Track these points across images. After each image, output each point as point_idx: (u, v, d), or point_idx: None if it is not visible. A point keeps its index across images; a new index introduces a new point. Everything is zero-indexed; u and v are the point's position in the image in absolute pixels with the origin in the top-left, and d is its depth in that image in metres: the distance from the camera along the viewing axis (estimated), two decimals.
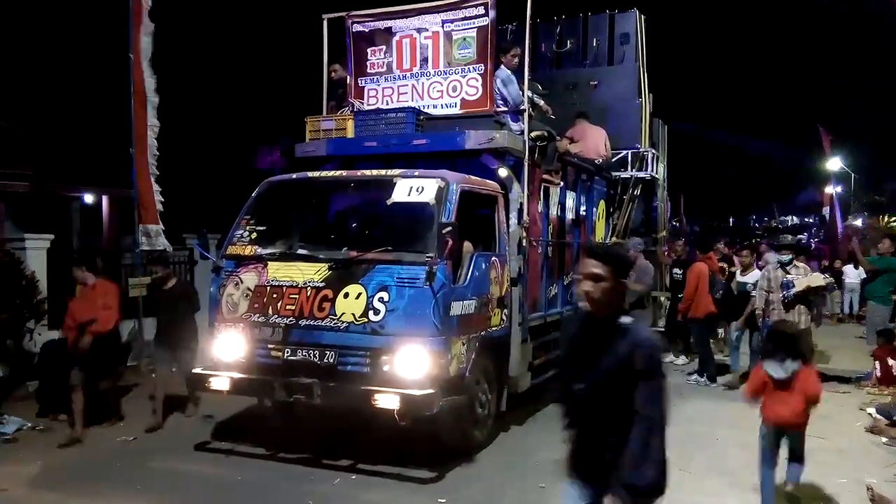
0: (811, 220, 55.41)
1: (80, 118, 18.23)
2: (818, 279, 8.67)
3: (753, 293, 9.02)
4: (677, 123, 14.45)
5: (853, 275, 15.45)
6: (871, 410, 7.90)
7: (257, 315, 6.23)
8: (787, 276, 8.50)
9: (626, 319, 2.96)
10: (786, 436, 5.07)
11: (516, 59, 7.70)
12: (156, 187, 10.17)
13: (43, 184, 16.07)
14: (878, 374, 9.20)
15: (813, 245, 30.10)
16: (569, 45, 11.52)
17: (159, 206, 10.17)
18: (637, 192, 10.93)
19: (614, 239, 10.37)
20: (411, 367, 5.71)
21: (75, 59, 18.54)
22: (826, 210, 35.11)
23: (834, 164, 32.03)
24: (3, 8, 16.82)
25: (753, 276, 9.32)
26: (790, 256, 8.72)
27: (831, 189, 31.13)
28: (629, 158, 10.68)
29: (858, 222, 29.96)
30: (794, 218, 65.75)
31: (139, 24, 9.88)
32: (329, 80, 8.59)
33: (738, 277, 9.81)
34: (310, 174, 7.20)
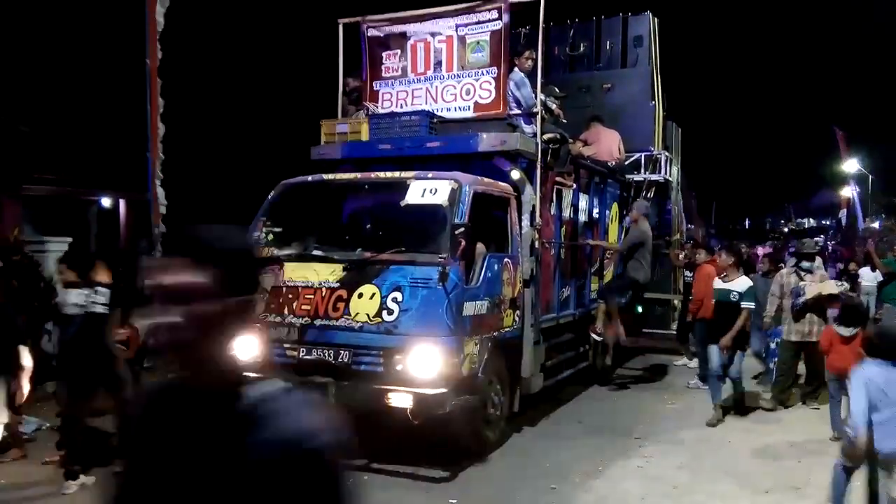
0: (828, 223, 55.04)
1: (97, 122, 18.44)
2: (830, 287, 8.25)
3: (744, 304, 7.71)
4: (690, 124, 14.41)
5: (869, 277, 15.33)
6: None
7: (273, 315, 6.30)
8: (801, 282, 8.14)
9: (261, 389, 1.55)
10: (839, 381, 6.65)
11: (530, 62, 7.76)
12: (160, 191, 10.26)
13: (61, 187, 16.28)
14: None
15: (830, 247, 29.90)
16: (582, 49, 11.54)
17: (162, 210, 10.26)
18: (650, 194, 10.94)
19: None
20: (424, 367, 5.76)
21: (92, 64, 18.75)
22: (843, 213, 34.90)
23: (851, 165, 31.84)
24: (24, 16, 17.07)
25: (740, 283, 7.82)
26: (813, 263, 8.41)
27: (849, 191, 30.95)
28: (642, 161, 10.69)
29: (876, 224, 29.71)
30: (811, 220, 65.31)
31: (155, 30, 10.00)
32: (344, 88, 8.68)
33: (718, 284, 8.05)
34: (325, 176, 7.28)
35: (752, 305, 7.82)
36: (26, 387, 5.79)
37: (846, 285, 9.40)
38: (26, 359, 5.79)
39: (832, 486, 4.78)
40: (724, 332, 7.67)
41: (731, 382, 7.99)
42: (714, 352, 7.87)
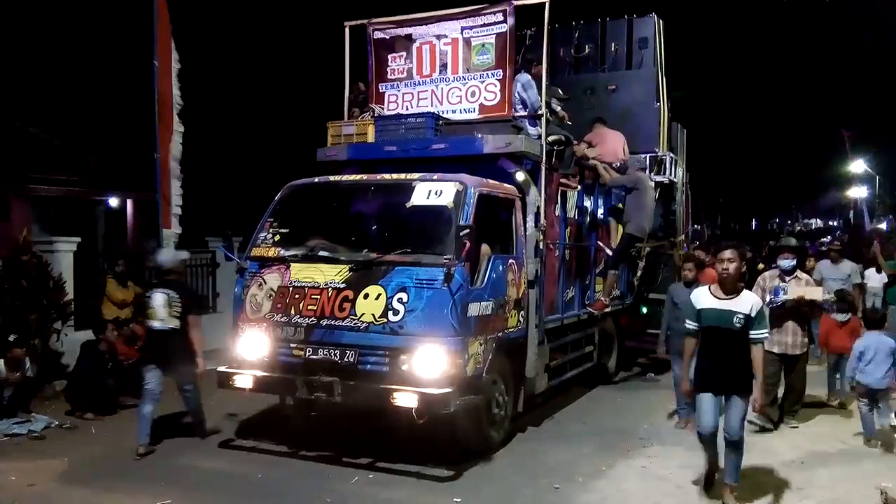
0: (835, 224, 54.91)
1: (106, 123, 18.56)
2: (816, 292, 7.40)
3: (757, 335, 5.33)
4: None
5: (875, 279, 15.31)
6: (891, 415, 7.86)
7: (280, 315, 6.37)
8: (783, 283, 7.42)
9: None
10: (841, 357, 8.08)
11: (542, 73, 7.76)
12: (176, 191, 10.31)
13: (69, 187, 16.39)
14: None
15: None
16: (587, 50, 11.55)
17: (178, 211, 10.31)
18: (655, 195, 10.94)
19: None
20: (429, 367, 5.82)
21: (101, 65, 18.87)
22: (852, 213, 34.86)
23: (858, 166, 31.76)
24: (33, 18, 17.19)
25: (747, 302, 5.32)
26: (793, 262, 7.55)
27: (856, 192, 30.87)
28: (647, 162, 10.70)
29: (883, 226, 29.64)
30: (818, 221, 65.15)
31: (164, 31, 10.07)
32: (350, 92, 8.73)
33: (709, 301, 5.40)
34: (331, 178, 7.35)
35: (767, 334, 5.51)
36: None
37: (831, 296, 8.49)
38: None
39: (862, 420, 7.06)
40: (724, 373, 5.32)
41: (727, 444, 5.42)
42: (707, 404, 5.39)
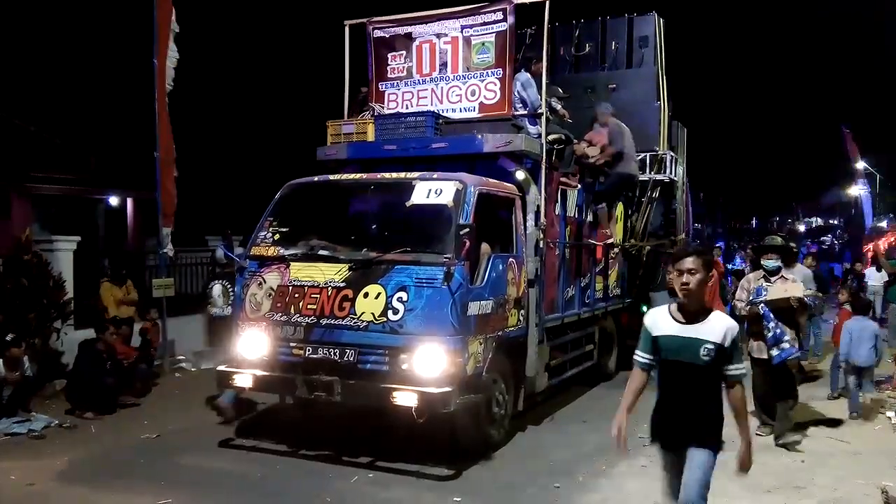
0: (836, 222, 54.83)
1: (106, 121, 18.54)
2: (796, 289, 6.84)
3: (733, 372, 3.89)
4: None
5: (876, 277, 15.33)
6: (891, 414, 7.87)
7: (280, 314, 6.37)
8: (766, 283, 6.91)
9: None
10: None
11: (542, 71, 7.76)
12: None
13: (70, 186, 16.37)
14: None
15: (837, 247, 29.72)
16: (587, 49, 11.54)
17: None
18: (655, 194, 10.93)
19: (632, 241, 10.40)
20: (429, 366, 5.81)
21: (101, 63, 18.86)
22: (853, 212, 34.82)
23: (859, 164, 31.73)
24: (33, 17, 17.18)
25: (719, 327, 3.85)
26: (777, 262, 6.96)
27: (857, 190, 30.83)
28: (647, 161, 10.69)
29: (884, 224, 29.60)
30: (819, 219, 65.04)
31: (164, 29, 10.08)
32: (351, 97, 8.72)
33: (669, 326, 3.98)
34: (331, 177, 7.34)
35: (744, 371, 4.03)
36: None
37: (814, 290, 8.18)
38: None
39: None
40: (688, 421, 4.10)
41: None
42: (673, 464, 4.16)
